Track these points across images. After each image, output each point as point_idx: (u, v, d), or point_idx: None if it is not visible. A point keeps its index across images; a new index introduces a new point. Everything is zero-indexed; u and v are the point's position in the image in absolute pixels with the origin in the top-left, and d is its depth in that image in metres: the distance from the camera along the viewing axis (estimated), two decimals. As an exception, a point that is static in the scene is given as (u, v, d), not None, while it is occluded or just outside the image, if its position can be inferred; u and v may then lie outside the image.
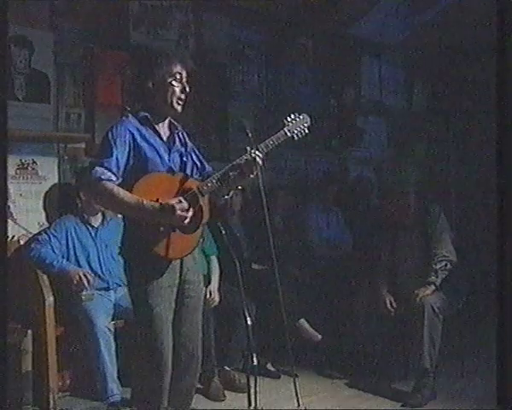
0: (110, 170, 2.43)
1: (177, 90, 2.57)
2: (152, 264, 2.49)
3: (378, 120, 5.99)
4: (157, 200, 2.42)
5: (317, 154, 5.36)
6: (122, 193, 2.41)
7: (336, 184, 5.03)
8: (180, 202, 2.43)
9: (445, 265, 3.72)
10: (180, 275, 2.59)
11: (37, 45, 3.87)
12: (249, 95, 5.06)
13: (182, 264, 2.59)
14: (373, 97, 5.98)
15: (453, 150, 6.35)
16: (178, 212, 2.39)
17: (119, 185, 2.44)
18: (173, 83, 2.56)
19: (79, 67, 4.09)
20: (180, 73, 2.58)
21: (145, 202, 2.40)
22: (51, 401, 3.35)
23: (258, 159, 2.54)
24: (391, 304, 3.80)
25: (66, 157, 4.00)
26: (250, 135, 2.61)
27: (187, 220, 2.44)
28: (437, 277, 3.69)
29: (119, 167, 2.46)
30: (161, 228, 2.44)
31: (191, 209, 2.46)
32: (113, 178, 2.43)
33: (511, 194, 2.50)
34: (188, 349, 2.64)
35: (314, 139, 5.15)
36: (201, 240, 2.68)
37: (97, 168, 2.43)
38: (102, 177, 2.41)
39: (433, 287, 3.68)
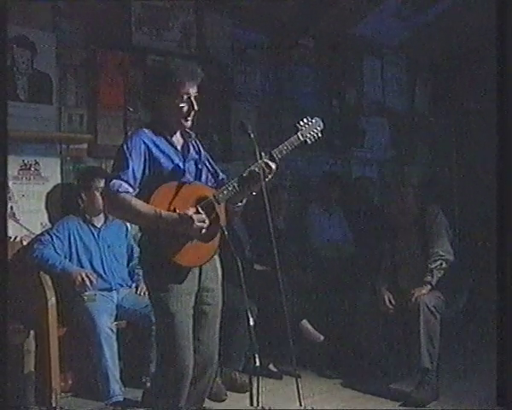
0: (127, 182, 2.44)
1: (185, 110, 2.58)
2: (171, 272, 2.50)
3: (380, 120, 5.99)
4: (174, 209, 2.45)
5: (319, 154, 5.35)
6: (140, 205, 2.43)
7: (338, 184, 5.03)
8: (198, 212, 2.45)
9: (441, 264, 3.73)
10: (199, 282, 2.62)
11: (39, 46, 3.87)
12: (251, 95, 5.06)
13: (201, 272, 2.62)
14: (375, 98, 5.97)
15: (455, 151, 6.34)
16: (196, 223, 2.42)
17: (135, 196, 2.46)
18: (180, 105, 2.57)
19: (82, 67, 4.09)
20: (188, 93, 2.57)
21: (163, 213, 2.42)
22: (54, 402, 3.35)
23: (272, 165, 2.59)
24: (390, 301, 3.81)
25: (68, 158, 4.01)
26: (252, 136, 2.61)
27: (203, 231, 2.46)
28: (432, 276, 3.71)
29: (135, 179, 2.47)
30: (179, 237, 2.46)
31: (207, 218, 2.48)
32: (131, 189, 2.45)
33: (511, 194, 2.50)
34: (205, 355, 2.67)
35: (316, 140, 5.13)
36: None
37: (115, 181, 2.44)
38: (120, 189, 2.42)
39: (428, 286, 3.69)
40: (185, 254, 2.50)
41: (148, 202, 2.44)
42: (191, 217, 2.41)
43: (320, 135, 2.79)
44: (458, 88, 6.17)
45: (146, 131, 2.58)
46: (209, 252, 2.60)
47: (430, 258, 3.75)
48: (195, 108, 2.60)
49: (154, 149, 2.54)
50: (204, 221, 2.46)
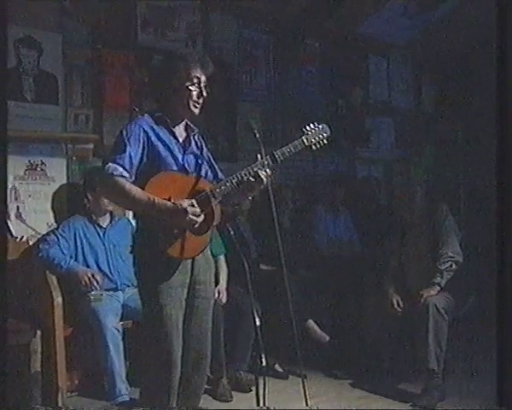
0: (122, 166, 2.42)
1: (194, 94, 2.57)
2: (162, 263, 2.49)
3: (386, 120, 5.98)
4: (169, 199, 2.42)
5: (324, 154, 5.35)
6: (134, 190, 2.41)
7: (344, 184, 5.02)
8: (193, 205, 2.42)
9: (451, 265, 3.71)
10: (191, 275, 2.59)
11: (45, 46, 3.88)
12: (257, 95, 5.06)
13: (193, 264, 2.59)
14: (381, 97, 5.96)
15: (461, 150, 6.32)
16: (190, 216, 2.40)
17: (132, 183, 2.44)
18: (190, 87, 2.56)
19: (88, 68, 4.10)
20: (198, 78, 2.57)
21: (156, 200, 2.40)
22: (60, 401, 3.35)
23: (268, 171, 2.55)
24: (398, 304, 3.80)
25: (74, 158, 4.01)
26: (257, 136, 2.61)
27: (196, 225, 2.44)
28: (442, 277, 3.68)
29: (132, 164, 2.45)
30: (172, 228, 2.44)
31: (202, 212, 2.46)
32: (126, 174, 2.43)
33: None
34: (197, 350, 2.65)
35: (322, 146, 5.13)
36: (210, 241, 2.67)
37: (110, 164, 2.42)
38: (114, 172, 2.41)
39: (437, 288, 3.67)
40: (177, 246, 2.47)
41: (143, 189, 2.42)
42: (185, 209, 2.39)
43: (326, 142, 2.73)
44: (464, 87, 6.15)
45: (146, 118, 2.56)
46: (200, 245, 2.57)
47: (439, 259, 3.72)
48: (205, 94, 2.59)
49: (153, 137, 2.52)
50: (198, 215, 2.43)
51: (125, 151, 2.44)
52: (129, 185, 2.42)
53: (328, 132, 2.74)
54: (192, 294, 2.61)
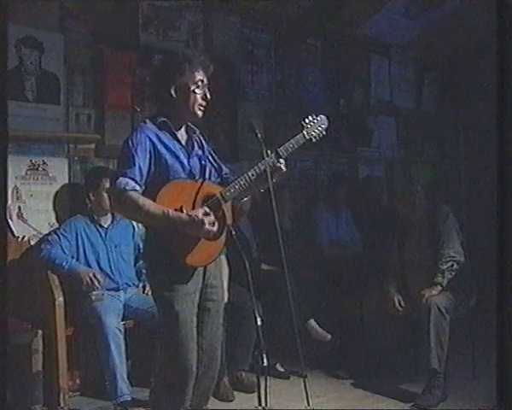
0: (134, 179, 2.40)
1: (199, 97, 2.55)
2: (177, 271, 2.48)
3: (388, 119, 5.98)
4: (181, 208, 2.41)
5: (326, 154, 5.35)
6: (148, 204, 2.38)
7: (346, 184, 5.02)
8: (207, 214, 2.41)
9: (452, 265, 3.71)
10: (203, 280, 2.60)
11: (47, 47, 3.88)
12: (258, 95, 5.06)
13: (205, 269, 2.60)
14: (382, 97, 5.96)
15: (463, 150, 6.32)
16: (206, 226, 2.38)
17: (141, 194, 2.42)
18: (196, 90, 2.54)
19: (89, 68, 4.10)
20: (202, 80, 2.56)
21: (171, 212, 2.38)
22: (61, 401, 3.36)
23: (282, 165, 2.57)
24: (399, 303, 3.80)
25: (76, 158, 4.02)
26: (259, 136, 2.59)
27: (212, 234, 2.44)
28: (443, 277, 3.68)
29: (142, 176, 2.43)
30: (187, 237, 2.42)
31: (214, 217, 2.45)
32: (138, 187, 2.41)
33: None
34: (208, 351, 2.66)
35: (323, 139, 5.13)
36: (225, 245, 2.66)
37: (121, 179, 2.39)
38: (127, 187, 2.38)
39: (439, 287, 3.67)
40: (193, 254, 2.46)
41: (154, 200, 2.40)
42: (202, 220, 2.37)
43: (325, 133, 2.76)
44: (466, 87, 6.15)
45: (149, 125, 2.53)
46: (216, 250, 2.58)
47: (441, 259, 3.72)
48: (209, 96, 2.57)
49: (159, 145, 2.50)
50: (214, 224, 2.42)
51: (134, 164, 2.42)
52: (142, 200, 2.39)
53: (327, 123, 2.76)
54: (204, 297, 2.61)
